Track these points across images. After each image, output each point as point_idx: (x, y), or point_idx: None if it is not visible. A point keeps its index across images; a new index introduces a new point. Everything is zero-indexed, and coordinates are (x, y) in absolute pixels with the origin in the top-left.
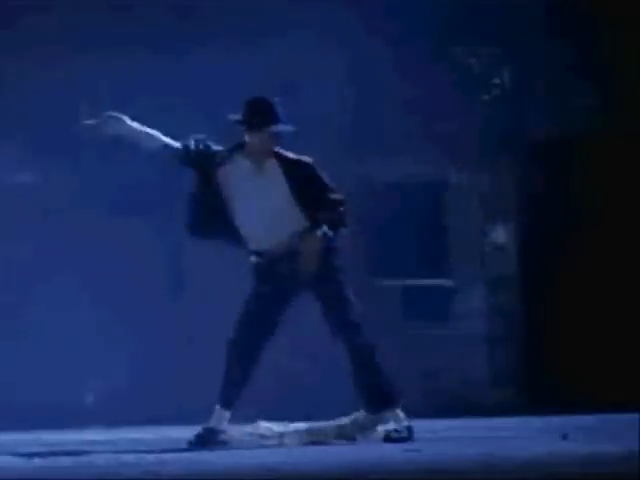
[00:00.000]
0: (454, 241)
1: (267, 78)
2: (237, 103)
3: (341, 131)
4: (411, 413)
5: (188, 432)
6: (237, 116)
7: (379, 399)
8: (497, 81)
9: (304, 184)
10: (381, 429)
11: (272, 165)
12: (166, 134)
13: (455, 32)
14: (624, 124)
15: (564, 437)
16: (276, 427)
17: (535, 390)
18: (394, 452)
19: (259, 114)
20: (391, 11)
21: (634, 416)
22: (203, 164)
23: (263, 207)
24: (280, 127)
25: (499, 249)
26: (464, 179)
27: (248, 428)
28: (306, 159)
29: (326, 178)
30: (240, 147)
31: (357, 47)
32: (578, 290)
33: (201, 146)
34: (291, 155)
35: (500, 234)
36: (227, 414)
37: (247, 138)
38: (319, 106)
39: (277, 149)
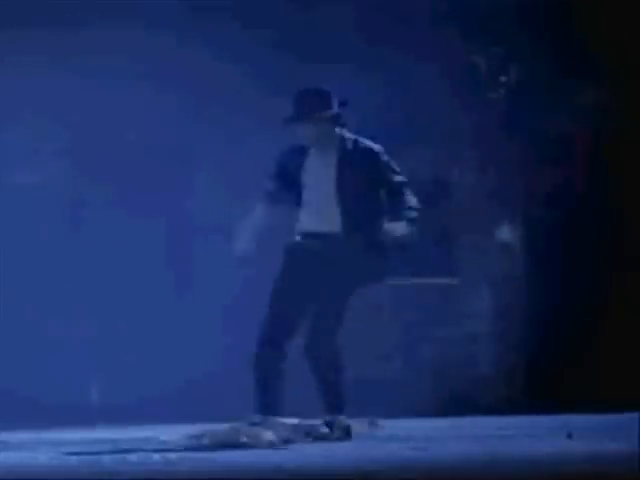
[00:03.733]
0: (460, 240)
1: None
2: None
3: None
4: (417, 412)
5: (194, 431)
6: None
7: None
8: (502, 79)
9: (368, 172)
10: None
11: (335, 152)
12: None
13: (461, 31)
14: (630, 122)
15: (569, 436)
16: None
17: (540, 389)
18: (399, 450)
19: (303, 105)
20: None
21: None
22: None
23: (323, 192)
24: (328, 112)
25: (505, 248)
26: (470, 177)
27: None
28: (375, 146)
29: (395, 170)
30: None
31: (362, 47)
32: (583, 289)
33: (277, 188)
34: (360, 141)
35: (506, 232)
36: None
37: (303, 130)
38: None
39: (346, 135)
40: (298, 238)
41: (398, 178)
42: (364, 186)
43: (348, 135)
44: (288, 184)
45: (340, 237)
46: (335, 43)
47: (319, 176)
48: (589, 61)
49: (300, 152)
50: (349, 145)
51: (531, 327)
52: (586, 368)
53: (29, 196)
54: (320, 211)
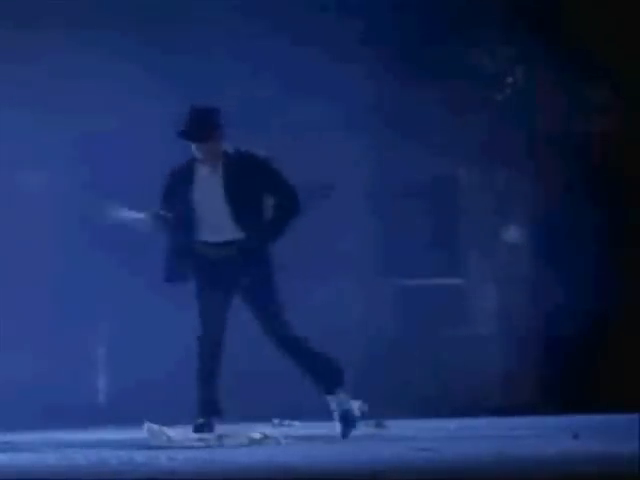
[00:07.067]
0: (468, 240)
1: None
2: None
3: (354, 130)
4: (424, 412)
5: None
6: (181, 128)
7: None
8: (510, 79)
9: (245, 179)
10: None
11: (221, 165)
12: None
13: (469, 30)
14: (638, 122)
15: (575, 436)
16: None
17: (547, 390)
18: (407, 451)
19: (198, 126)
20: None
21: None
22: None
23: (212, 206)
24: (219, 131)
25: (512, 248)
26: (478, 177)
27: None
28: (251, 152)
29: (273, 170)
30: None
31: (372, 46)
32: (590, 290)
33: (165, 214)
34: (237, 151)
35: (513, 233)
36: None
37: (193, 148)
38: (334, 106)
39: (227, 148)
40: (200, 248)
41: (283, 182)
42: (251, 194)
43: (230, 148)
44: (176, 204)
45: (236, 243)
46: (339, 43)
47: (208, 191)
48: (598, 62)
49: (185, 170)
50: (233, 157)
51: (538, 328)
52: (594, 369)
53: (34, 199)
54: (214, 222)
